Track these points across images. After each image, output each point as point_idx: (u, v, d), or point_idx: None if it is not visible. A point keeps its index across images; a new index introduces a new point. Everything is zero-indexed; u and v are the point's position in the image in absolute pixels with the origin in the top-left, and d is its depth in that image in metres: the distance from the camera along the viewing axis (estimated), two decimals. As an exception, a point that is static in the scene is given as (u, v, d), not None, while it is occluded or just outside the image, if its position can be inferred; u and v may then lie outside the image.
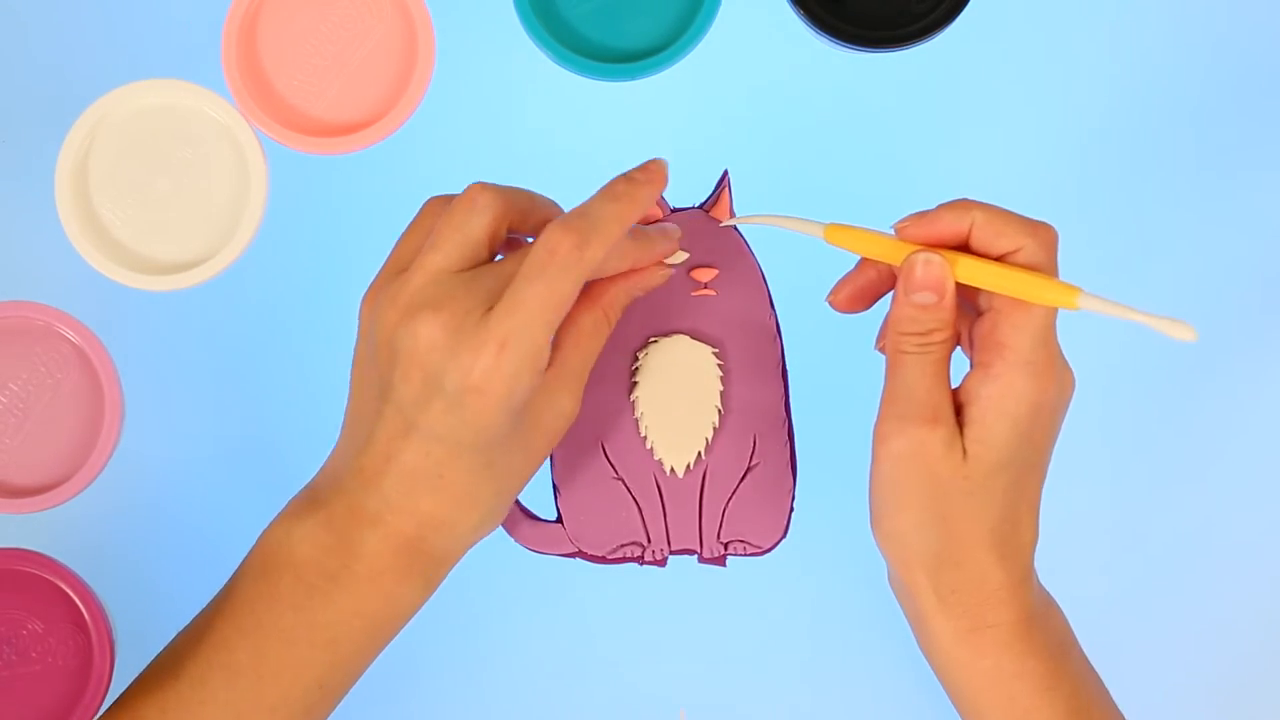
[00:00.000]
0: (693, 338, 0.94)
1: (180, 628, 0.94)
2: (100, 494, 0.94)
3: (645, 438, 0.94)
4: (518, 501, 0.94)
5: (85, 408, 0.93)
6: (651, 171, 0.82)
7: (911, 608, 0.81)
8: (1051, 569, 0.95)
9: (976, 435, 0.78)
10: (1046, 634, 0.80)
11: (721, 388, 0.94)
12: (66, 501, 0.93)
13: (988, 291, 0.79)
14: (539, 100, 0.96)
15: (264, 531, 0.81)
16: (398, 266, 0.81)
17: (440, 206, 0.82)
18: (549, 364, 0.79)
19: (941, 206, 0.80)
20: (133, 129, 0.94)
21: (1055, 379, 0.78)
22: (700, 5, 0.94)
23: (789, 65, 0.96)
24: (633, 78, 0.94)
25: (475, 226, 0.79)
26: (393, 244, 0.95)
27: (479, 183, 0.80)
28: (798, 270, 0.96)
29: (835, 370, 0.95)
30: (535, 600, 0.95)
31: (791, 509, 0.94)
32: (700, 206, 0.95)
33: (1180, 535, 0.96)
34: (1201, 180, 0.97)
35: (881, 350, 0.83)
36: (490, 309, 0.77)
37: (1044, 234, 0.79)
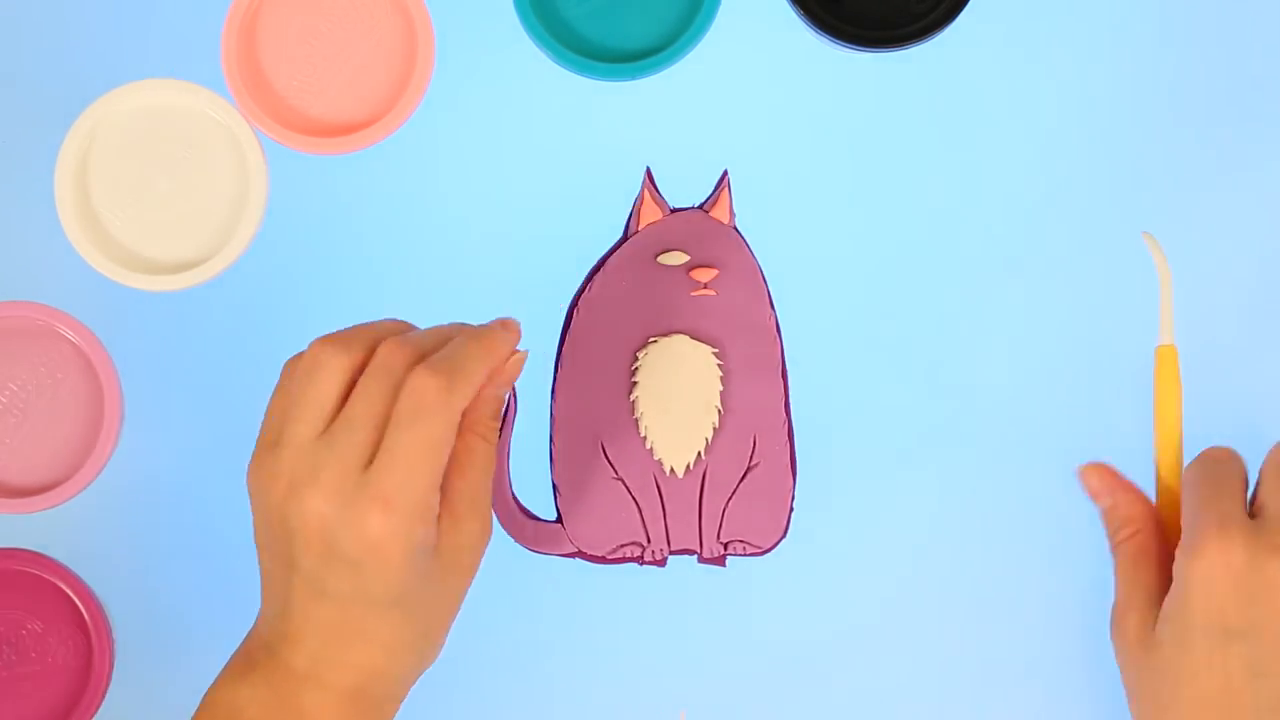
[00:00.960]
0: (693, 338, 0.94)
1: (180, 628, 0.94)
2: (100, 494, 0.94)
3: (645, 438, 0.94)
4: (517, 501, 0.94)
5: (85, 408, 0.93)
6: (508, 324, 0.82)
7: None
8: (1052, 570, 0.95)
9: (1167, 616, 0.84)
10: None
11: (721, 388, 0.94)
12: (66, 501, 0.93)
13: None
14: (539, 100, 0.96)
15: (209, 693, 0.80)
16: (270, 437, 0.79)
17: (293, 369, 0.81)
18: (441, 501, 0.79)
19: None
20: (133, 129, 0.94)
21: (1215, 579, 0.83)
22: (700, 5, 0.94)
23: (789, 65, 0.96)
24: (633, 78, 0.94)
25: (326, 389, 0.78)
26: (392, 244, 0.96)
27: (319, 339, 0.80)
28: (798, 270, 0.95)
29: (835, 370, 0.95)
30: (535, 600, 0.95)
31: (791, 509, 0.94)
32: (700, 206, 0.95)
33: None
34: (1202, 180, 0.96)
35: None
36: (369, 464, 0.77)
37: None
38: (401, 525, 0.76)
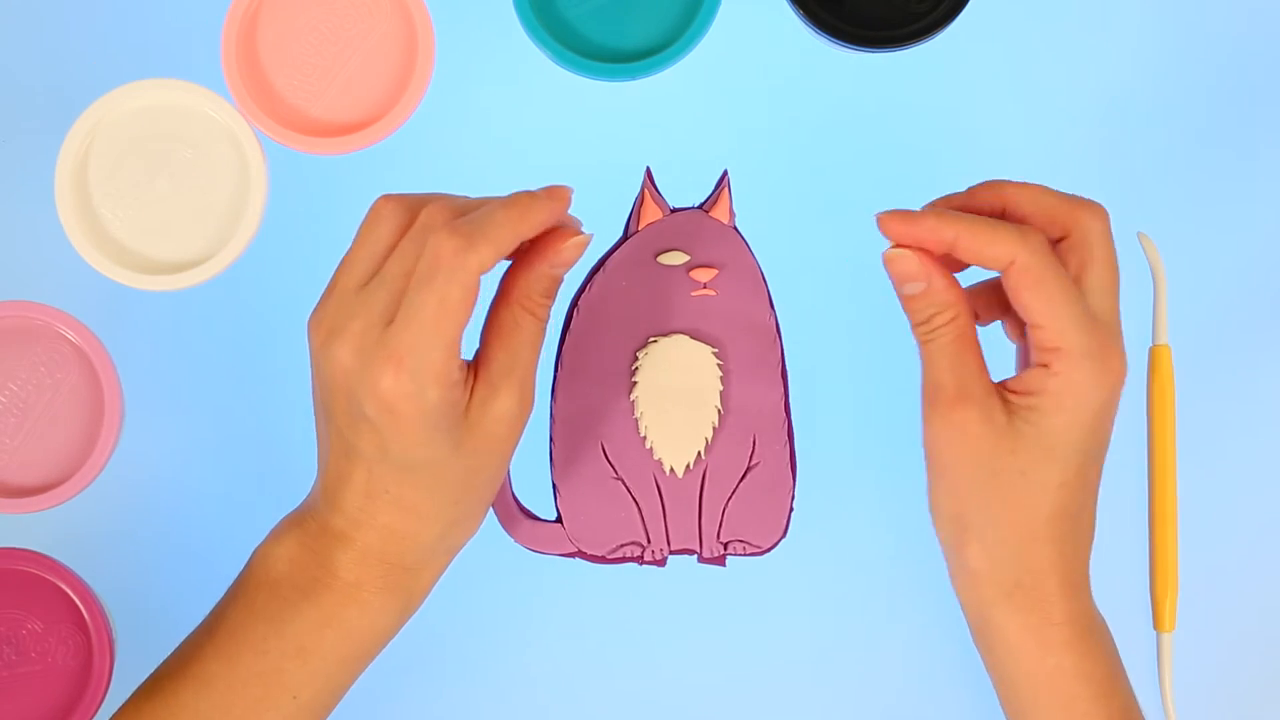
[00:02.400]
0: (693, 338, 0.94)
1: (180, 627, 0.94)
2: (100, 494, 0.94)
3: (645, 437, 0.94)
4: (517, 501, 0.94)
5: (85, 408, 0.93)
6: (554, 191, 0.80)
7: (973, 598, 0.80)
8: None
9: (1036, 422, 0.77)
10: (1104, 640, 0.80)
11: (721, 388, 0.94)
12: (66, 501, 0.93)
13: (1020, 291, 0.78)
14: (539, 100, 0.96)
15: (252, 553, 0.81)
16: (328, 287, 0.81)
17: (384, 213, 0.81)
18: (479, 366, 0.79)
19: (926, 211, 0.79)
20: (133, 129, 0.94)
21: (1115, 375, 0.78)
22: (700, 5, 0.94)
23: (789, 65, 0.96)
24: (633, 78, 0.94)
25: (376, 243, 0.79)
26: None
27: (385, 195, 0.80)
28: (798, 270, 0.96)
29: (835, 370, 0.95)
30: (535, 600, 0.95)
31: (791, 509, 0.94)
32: (700, 206, 0.95)
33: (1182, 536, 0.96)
34: (1203, 180, 0.97)
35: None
36: (390, 323, 0.76)
37: (1033, 240, 0.77)
38: (412, 385, 0.75)
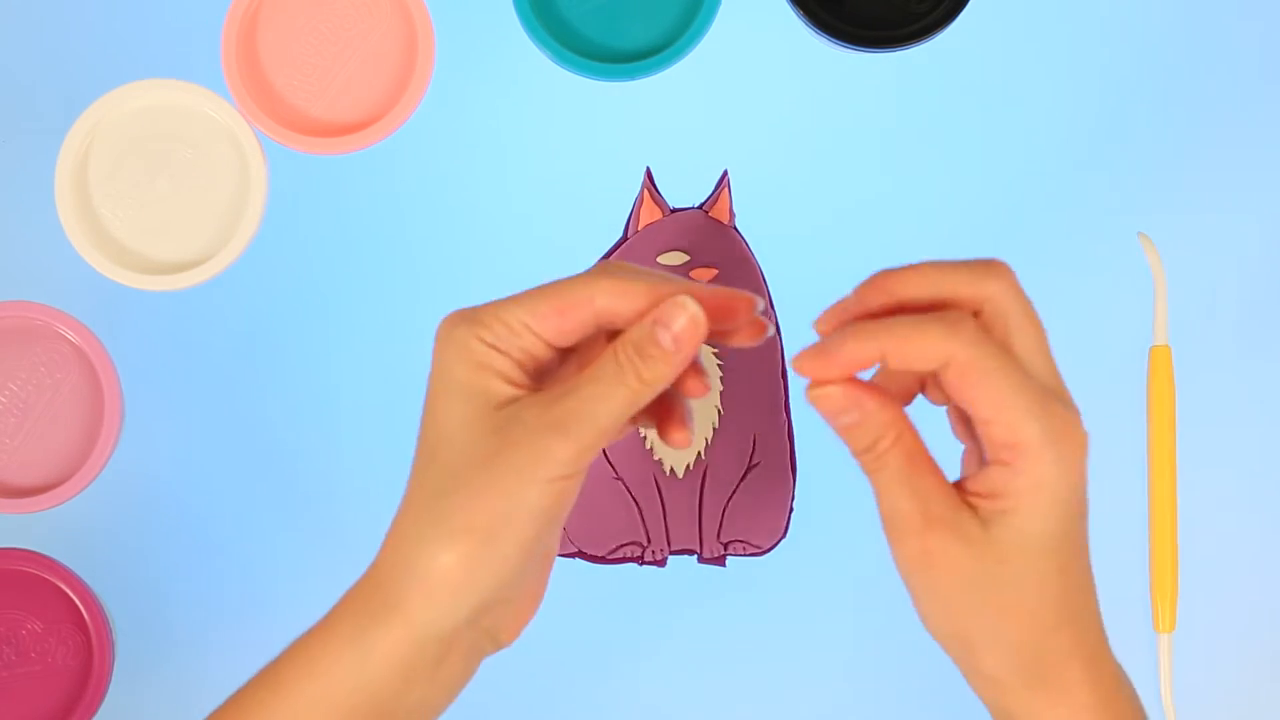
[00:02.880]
0: (693, 338, 0.94)
1: (180, 628, 0.95)
2: (100, 494, 0.94)
3: (645, 438, 0.94)
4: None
5: (85, 408, 0.93)
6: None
7: (994, 699, 0.73)
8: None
9: (1014, 526, 0.70)
10: (1131, 703, 0.73)
11: (721, 388, 0.94)
12: (66, 501, 0.93)
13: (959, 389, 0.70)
14: (539, 100, 0.96)
15: None
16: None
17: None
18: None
19: (843, 338, 0.70)
20: (133, 129, 0.94)
21: (1080, 446, 0.70)
22: (700, 5, 0.94)
23: (789, 65, 0.96)
24: (633, 78, 0.94)
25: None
26: (392, 244, 0.96)
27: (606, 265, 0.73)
28: (798, 270, 0.96)
29: (835, 370, 0.95)
30: (535, 600, 0.95)
31: (791, 509, 0.95)
32: (700, 206, 0.95)
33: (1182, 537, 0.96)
34: (1198, 182, 0.97)
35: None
36: None
37: (964, 331, 0.69)
38: None
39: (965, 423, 0.74)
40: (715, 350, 0.94)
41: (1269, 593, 0.96)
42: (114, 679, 0.93)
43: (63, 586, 0.92)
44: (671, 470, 0.94)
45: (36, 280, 0.94)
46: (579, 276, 0.71)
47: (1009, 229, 0.96)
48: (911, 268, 0.71)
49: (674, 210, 0.95)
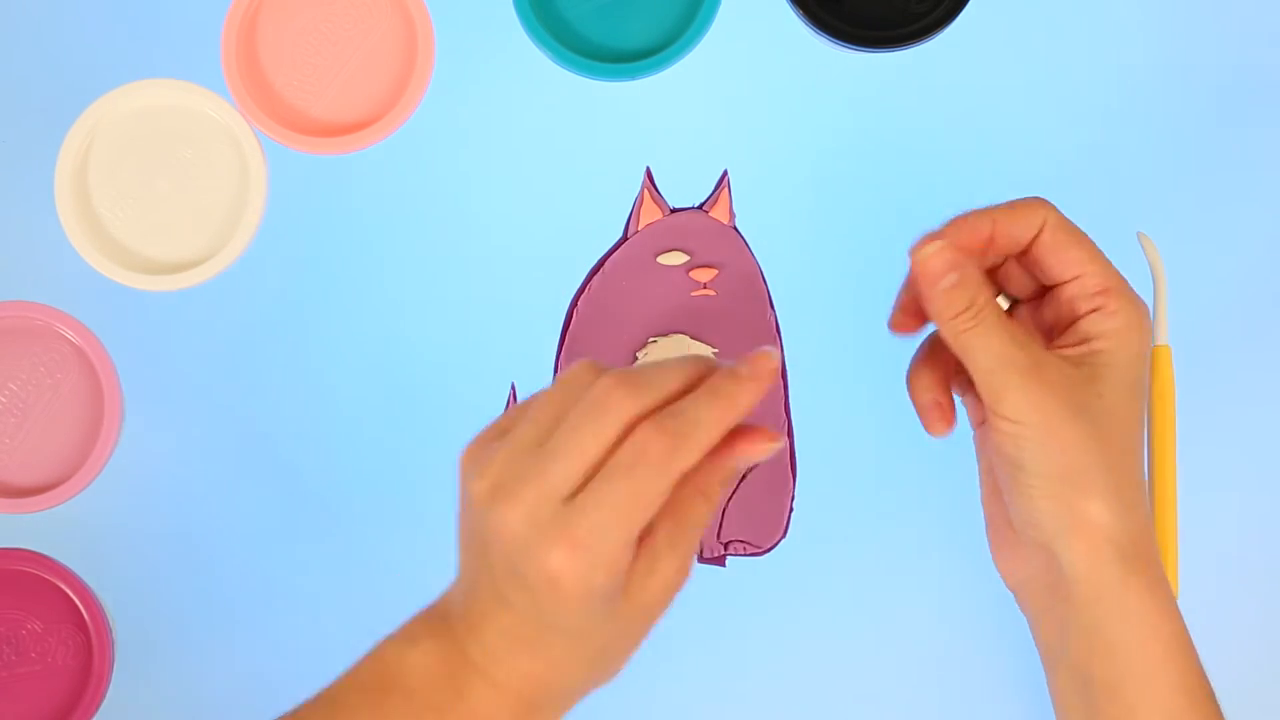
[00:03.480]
0: (692, 338, 0.94)
1: (180, 628, 0.94)
2: (100, 494, 0.94)
3: (645, 438, 0.94)
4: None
5: (85, 408, 0.93)
6: (758, 367, 0.76)
7: (1088, 559, 0.79)
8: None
9: (1108, 363, 0.79)
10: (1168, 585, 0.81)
11: (721, 388, 0.94)
12: (66, 501, 0.93)
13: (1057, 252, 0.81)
14: (539, 100, 0.96)
15: (379, 645, 0.77)
16: (501, 425, 0.77)
17: (583, 378, 0.76)
18: (643, 537, 0.75)
19: (957, 219, 0.82)
20: (133, 129, 0.94)
21: (1144, 305, 0.81)
22: (700, 5, 0.94)
23: (789, 65, 0.96)
24: (633, 78, 0.94)
25: (600, 434, 0.74)
26: (392, 244, 0.95)
27: (613, 376, 0.75)
28: (798, 270, 0.96)
29: (835, 370, 0.95)
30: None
31: (791, 509, 0.94)
32: (700, 206, 0.95)
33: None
34: (1198, 181, 0.97)
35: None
36: (571, 497, 0.73)
37: (1048, 203, 0.82)
38: (583, 569, 0.73)
39: (969, 389, 0.82)
40: (715, 350, 0.94)
41: (1269, 593, 0.96)
42: (114, 679, 0.93)
43: (63, 586, 0.92)
44: (671, 470, 0.94)
45: (36, 280, 0.94)
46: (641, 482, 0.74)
47: (1009, 229, 0.96)
48: (973, 213, 0.81)
49: (674, 210, 0.95)
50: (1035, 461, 0.78)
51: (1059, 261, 0.81)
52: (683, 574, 0.77)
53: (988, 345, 0.78)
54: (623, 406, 0.73)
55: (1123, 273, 0.92)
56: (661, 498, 0.73)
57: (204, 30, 0.94)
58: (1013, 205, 0.81)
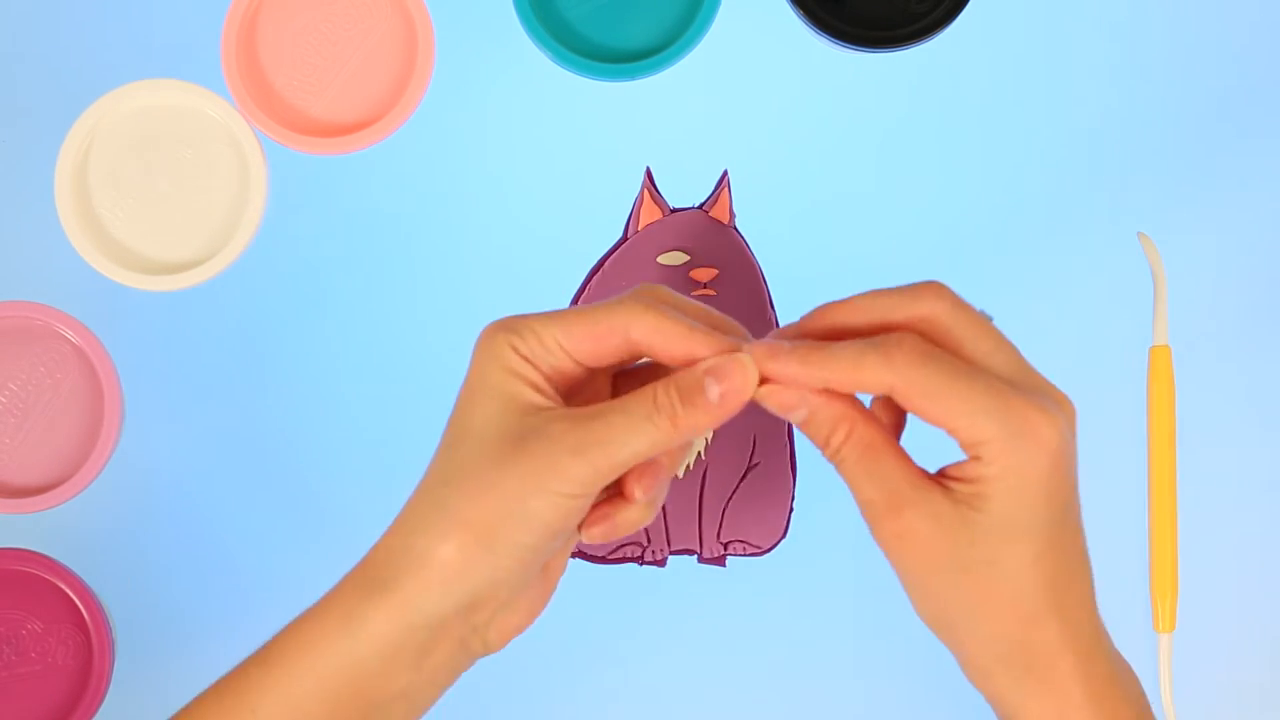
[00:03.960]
0: (693, 338, 0.94)
1: (180, 628, 0.94)
2: (100, 494, 0.94)
3: (645, 438, 0.94)
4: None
5: (85, 408, 0.93)
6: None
7: (986, 688, 0.73)
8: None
9: (986, 509, 0.70)
10: (1129, 701, 0.73)
11: (721, 388, 0.94)
12: (66, 501, 0.93)
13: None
14: (539, 100, 0.96)
15: None
16: None
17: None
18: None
19: (791, 353, 0.71)
20: (133, 129, 0.94)
21: (1053, 429, 0.70)
22: (700, 5, 0.94)
23: (789, 65, 0.96)
24: (633, 78, 0.94)
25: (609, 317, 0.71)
26: (392, 244, 0.96)
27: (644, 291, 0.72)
28: (798, 270, 0.96)
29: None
30: (535, 600, 0.95)
31: (791, 509, 0.94)
32: (700, 206, 0.95)
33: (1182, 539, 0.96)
34: (1198, 181, 0.97)
35: None
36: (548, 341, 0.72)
37: (899, 357, 0.69)
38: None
39: None
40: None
41: (1269, 593, 0.96)
42: (114, 679, 0.93)
43: (63, 586, 0.92)
44: (671, 470, 0.94)
45: (36, 280, 0.94)
46: (617, 303, 0.71)
47: (1009, 229, 0.96)
48: (850, 298, 0.72)
49: (674, 210, 0.95)
50: (911, 600, 0.74)
51: (921, 416, 0.70)
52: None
53: (851, 483, 0.72)
54: (640, 316, 0.71)
55: (1123, 273, 0.92)
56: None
57: (204, 30, 0.94)
58: (854, 364, 0.70)
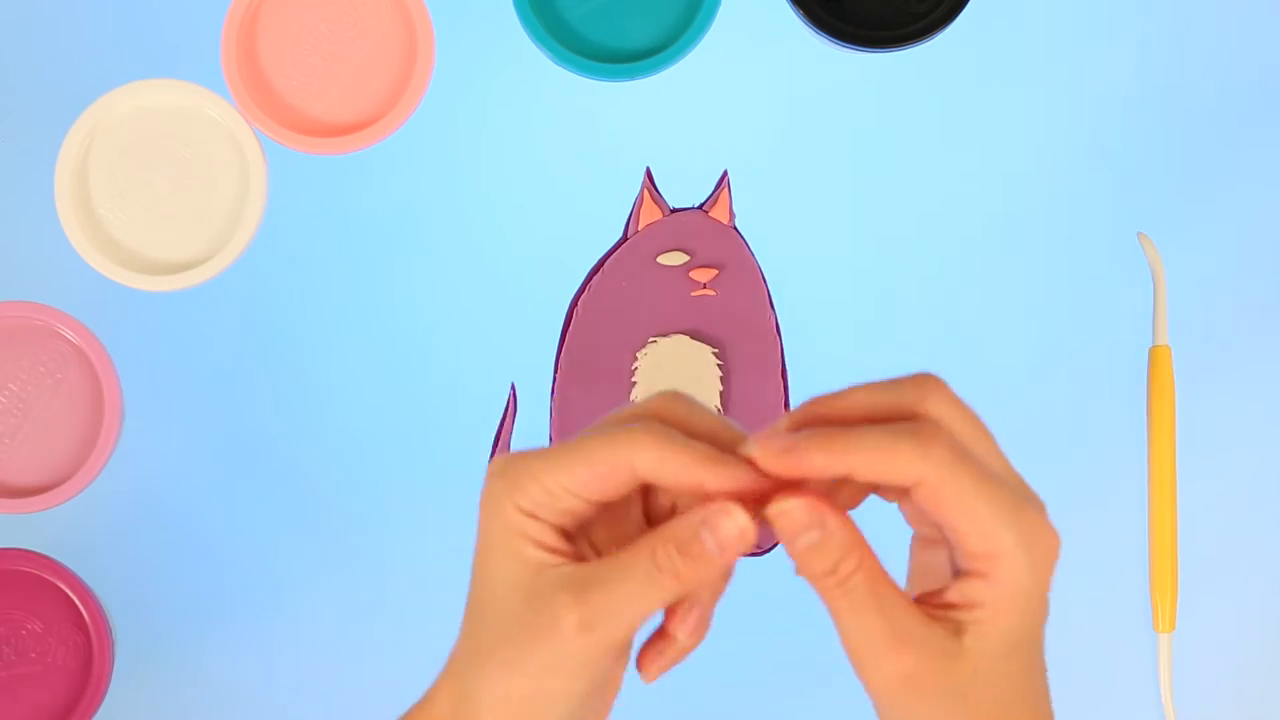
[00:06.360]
0: (693, 338, 0.94)
1: (180, 628, 0.94)
2: (100, 494, 0.94)
3: (645, 438, 0.94)
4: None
5: (85, 408, 0.93)
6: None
7: None
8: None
9: (987, 634, 0.67)
10: None
11: (721, 388, 0.94)
12: (66, 501, 0.93)
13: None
14: (539, 100, 0.96)
15: None
16: None
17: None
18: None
19: (808, 443, 0.67)
20: (133, 129, 0.94)
21: (1052, 547, 0.68)
22: (700, 5, 0.94)
23: (789, 65, 0.96)
24: (633, 78, 0.94)
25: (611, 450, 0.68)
26: (392, 244, 0.96)
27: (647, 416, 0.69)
28: (798, 270, 0.96)
29: (835, 370, 0.95)
30: (535, 600, 0.95)
31: (791, 509, 0.94)
32: (700, 206, 0.95)
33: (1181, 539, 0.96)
34: (1198, 182, 0.97)
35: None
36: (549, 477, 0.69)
37: (936, 450, 0.66)
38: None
39: (931, 528, 0.71)
40: (715, 350, 0.94)
41: (1269, 593, 0.96)
42: (114, 679, 0.93)
43: (63, 586, 0.92)
44: (671, 470, 0.94)
45: (36, 280, 0.94)
46: (622, 434, 0.68)
47: (1009, 229, 0.96)
48: (844, 391, 0.69)
49: (674, 210, 0.95)
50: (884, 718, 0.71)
51: (939, 516, 0.67)
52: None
53: (851, 617, 0.68)
54: (643, 444, 0.68)
55: (1123, 273, 0.92)
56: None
57: (204, 30, 0.94)
58: (887, 450, 0.66)
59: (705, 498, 0.67)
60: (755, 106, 0.96)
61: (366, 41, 0.95)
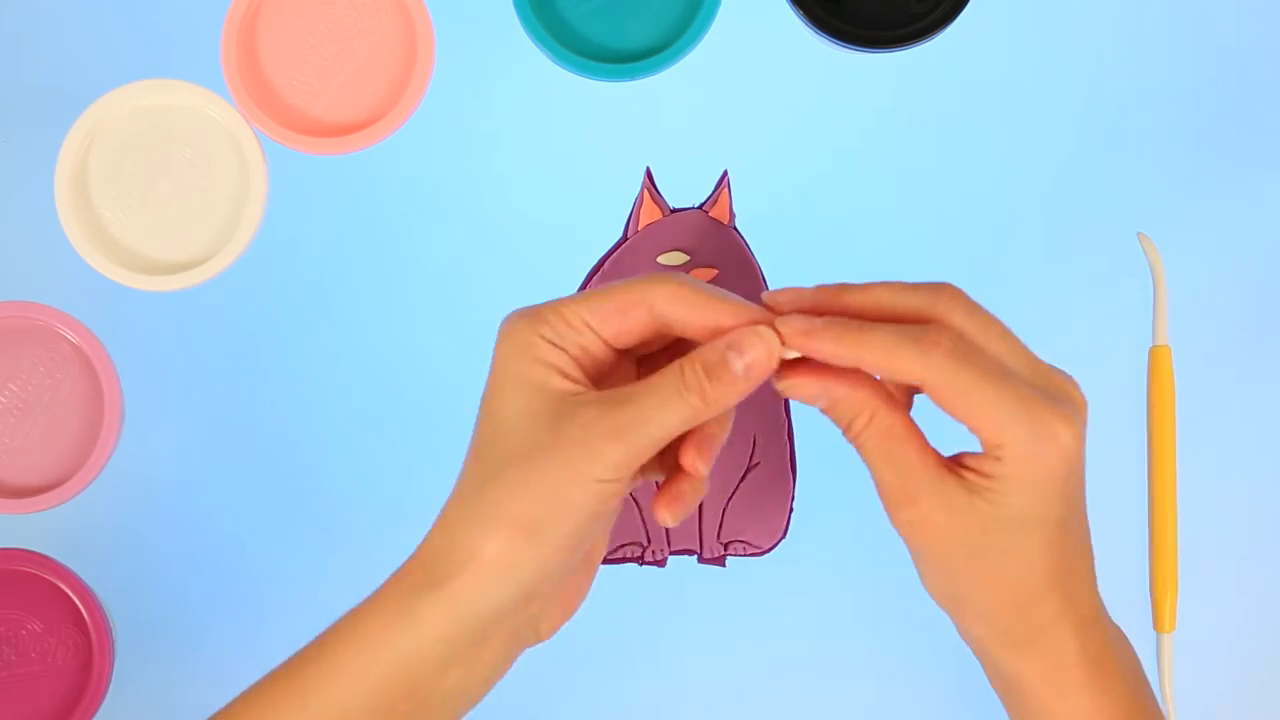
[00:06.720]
0: (693, 338, 0.94)
1: (180, 628, 0.94)
2: (100, 494, 0.94)
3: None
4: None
5: (85, 408, 0.93)
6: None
7: (984, 654, 0.77)
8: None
9: (999, 502, 0.73)
10: (1124, 667, 0.76)
11: (721, 388, 0.94)
12: (66, 501, 0.93)
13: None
14: (539, 100, 0.96)
15: None
16: None
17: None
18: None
19: (825, 329, 0.73)
20: (133, 129, 0.94)
21: (1072, 434, 0.72)
22: (700, 5, 0.94)
23: (789, 65, 0.96)
24: (633, 78, 0.94)
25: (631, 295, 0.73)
26: (392, 244, 0.96)
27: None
28: (798, 270, 0.96)
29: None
30: (535, 600, 0.95)
31: (791, 509, 0.95)
32: (700, 207, 0.95)
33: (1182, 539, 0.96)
34: (1198, 182, 0.97)
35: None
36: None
37: (936, 353, 0.71)
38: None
39: None
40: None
41: (1269, 593, 0.96)
42: (114, 679, 0.93)
43: (63, 586, 0.92)
44: (671, 470, 0.94)
45: (36, 280, 0.94)
46: (638, 279, 0.73)
47: (1009, 229, 0.96)
48: (868, 286, 0.74)
49: (674, 210, 0.95)
50: (922, 577, 0.77)
51: (948, 412, 0.72)
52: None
53: (870, 466, 0.74)
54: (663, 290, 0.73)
55: (1123, 273, 0.93)
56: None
57: (204, 30, 0.94)
58: (889, 351, 0.72)
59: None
60: (755, 106, 0.96)
61: (366, 41, 0.95)
